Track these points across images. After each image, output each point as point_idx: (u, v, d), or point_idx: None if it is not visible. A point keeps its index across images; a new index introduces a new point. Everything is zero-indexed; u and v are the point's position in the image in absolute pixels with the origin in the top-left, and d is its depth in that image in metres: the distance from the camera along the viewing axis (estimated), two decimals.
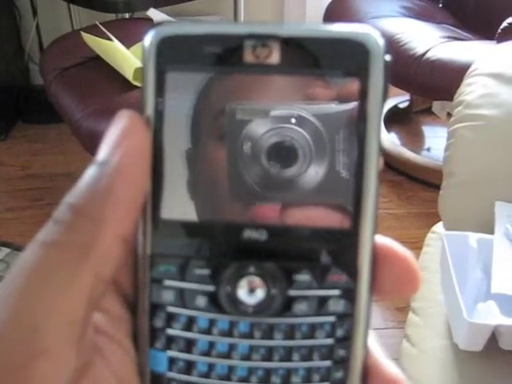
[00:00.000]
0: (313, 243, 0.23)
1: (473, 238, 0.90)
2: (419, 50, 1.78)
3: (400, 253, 0.23)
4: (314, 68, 0.22)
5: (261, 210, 0.23)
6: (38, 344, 0.20)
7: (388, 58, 0.22)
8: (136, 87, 1.50)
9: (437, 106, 2.17)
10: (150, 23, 1.69)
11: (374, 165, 0.23)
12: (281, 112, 0.23)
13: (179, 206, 0.24)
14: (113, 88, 1.54)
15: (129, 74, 1.51)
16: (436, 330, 0.90)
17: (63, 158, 2.13)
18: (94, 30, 1.67)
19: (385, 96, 0.22)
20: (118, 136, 0.22)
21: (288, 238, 0.23)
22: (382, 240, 0.23)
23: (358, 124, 0.22)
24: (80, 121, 1.50)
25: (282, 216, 0.23)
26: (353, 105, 0.23)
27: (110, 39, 1.60)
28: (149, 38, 0.23)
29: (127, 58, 1.56)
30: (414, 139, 2.25)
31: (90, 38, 1.63)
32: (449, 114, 1.95)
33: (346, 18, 2.02)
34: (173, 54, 0.23)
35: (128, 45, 1.61)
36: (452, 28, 2.02)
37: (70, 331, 0.20)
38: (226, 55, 0.23)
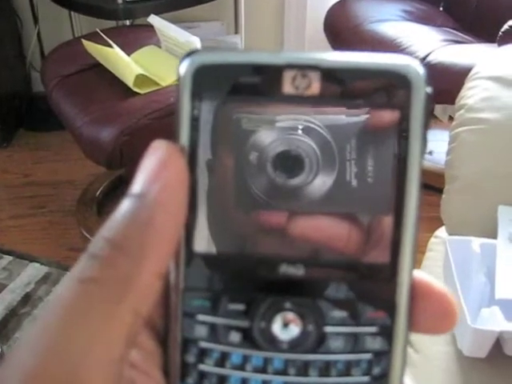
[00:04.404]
0: (349, 279, 0.23)
1: (476, 242, 0.89)
2: (420, 54, 1.78)
3: (437, 288, 0.23)
4: (355, 99, 0.22)
5: (270, 218, 0.23)
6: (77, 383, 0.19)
7: (429, 90, 0.22)
8: (137, 94, 1.51)
9: (439, 109, 2.16)
10: (150, 30, 1.69)
11: (414, 203, 0.22)
12: (287, 122, 0.23)
13: (213, 239, 0.23)
14: (114, 95, 1.54)
15: (130, 81, 1.51)
16: (440, 336, 0.89)
17: (65, 166, 2.14)
18: (94, 37, 1.67)
19: (426, 127, 0.22)
20: (155, 168, 0.21)
21: (324, 273, 0.23)
22: (418, 275, 0.23)
23: (399, 155, 0.22)
24: (81, 128, 1.50)
25: (290, 225, 0.23)
26: (364, 117, 0.22)
27: (110, 46, 1.60)
28: (184, 66, 0.22)
29: (128, 65, 1.56)
30: None
31: (90, 46, 1.63)
32: (450, 118, 1.94)
33: (347, 22, 2.02)
34: (209, 83, 0.22)
35: (129, 52, 1.61)
36: (453, 31, 2.02)
37: (110, 370, 0.20)
38: (264, 85, 0.22)
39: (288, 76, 0.22)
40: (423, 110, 0.22)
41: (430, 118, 0.22)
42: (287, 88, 0.22)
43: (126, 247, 0.20)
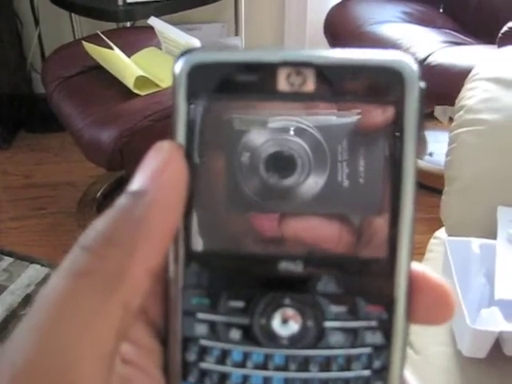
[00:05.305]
0: (348, 274, 0.23)
1: (475, 243, 0.89)
2: (420, 56, 1.78)
3: (434, 280, 0.23)
4: (349, 95, 0.22)
5: (262, 221, 0.23)
6: (67, 378, 0.19)
7: (423, 85, 0.22)
8: (137, 95, 1.51)
9: (439, 110, 2.17)
10: (151, 31, 1.70)
11: (410, 197, 0.22)
12: (279, 123, 0.23)
13: (211, 237, 0.23)
14: (114, 97, 1.54)
15: (130, 83, 1.51)
16: (439, 336, 0.89)
17: (66, 167, 2.14)
18: (95, 38, 1.67)
19: (420, 123, 0.22)
20: (156, 167, 0.21)
21: (323, 269, 0.23)
22: (414, 267, 0.23)
23: (394, 151, 0.22)
24: (82, 130, 1.50)
25: (283, 226, 0.23)
26: (357, 116, 0.22)
27: (111, 48, 1.61)
28: (179, 65, 0.22)
29: (128, 67, 1.56)
30: None
31: (91, 47, 1.63)
32: (451, 119, 1.95)
33: (347, 24, 2.02)
34: (204, 81, 0.22)
35: (129, 53, 1.62)
36: (453, 33, 2.02)
37: (100, 364, 0.20)
38: (259, 83, 0.22)
39: (283, 73, 0.22)
40: (417, 104, 0.22)
41: (424, 114, 0.22)
42: (282, 85, 0.22)
43: (118, 241, 0.20)
